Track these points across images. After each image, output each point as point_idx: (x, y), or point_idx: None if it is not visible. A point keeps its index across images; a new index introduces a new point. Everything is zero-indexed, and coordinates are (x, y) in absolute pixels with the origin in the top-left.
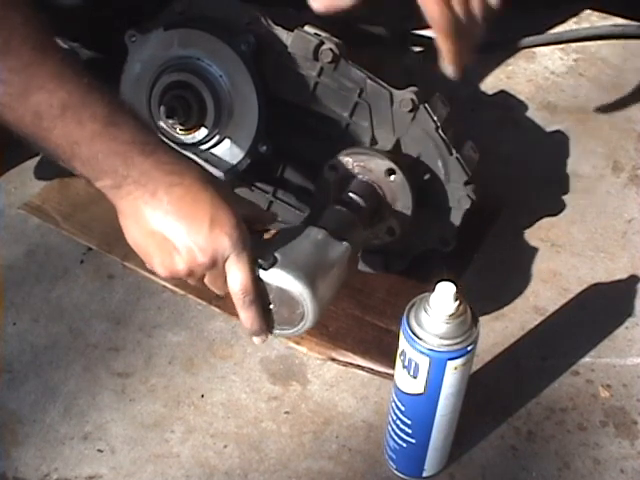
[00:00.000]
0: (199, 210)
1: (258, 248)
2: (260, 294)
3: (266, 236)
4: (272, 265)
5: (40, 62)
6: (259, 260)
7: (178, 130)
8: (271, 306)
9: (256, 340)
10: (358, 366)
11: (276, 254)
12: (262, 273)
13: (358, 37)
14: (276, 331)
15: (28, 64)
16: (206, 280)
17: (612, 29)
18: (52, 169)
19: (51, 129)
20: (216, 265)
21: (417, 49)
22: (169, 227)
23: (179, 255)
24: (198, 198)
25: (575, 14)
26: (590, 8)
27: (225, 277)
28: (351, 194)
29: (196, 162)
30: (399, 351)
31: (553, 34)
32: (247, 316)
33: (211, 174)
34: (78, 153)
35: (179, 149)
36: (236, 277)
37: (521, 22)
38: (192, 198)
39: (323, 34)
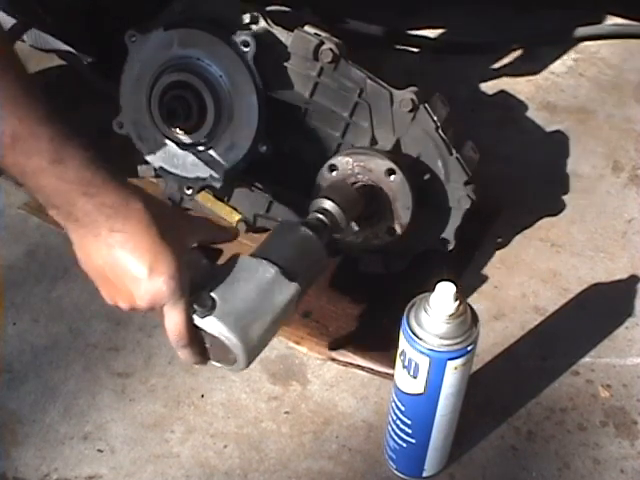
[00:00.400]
0: (139, 258)
1: (200, 285)
2: (195, 336)
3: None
4: (209, 311)
5: None
6: (195, 305)
7: (178, 130)
8: (207, 345)
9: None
10: (358, 366)
11: (216, 297)
12: (197, 320)
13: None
14: (213, 362)
15: None
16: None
17: (613, 29)
18: None
19: (3, 155)
20: (154, 309)
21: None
22: (110, 271)
23: (120, 297)
24: (139, 245)
25: (576, 14)
26: (591, 9)
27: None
28: (318, 214)
29: (145, 193)
30: (399, 351)
31: (553, 34)
32: (182, 353)
33: (160, 205)
34: (27, 183)
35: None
36: (171, 322)
37: (521, 22)
38: (133, 246)
39: (323, 34)
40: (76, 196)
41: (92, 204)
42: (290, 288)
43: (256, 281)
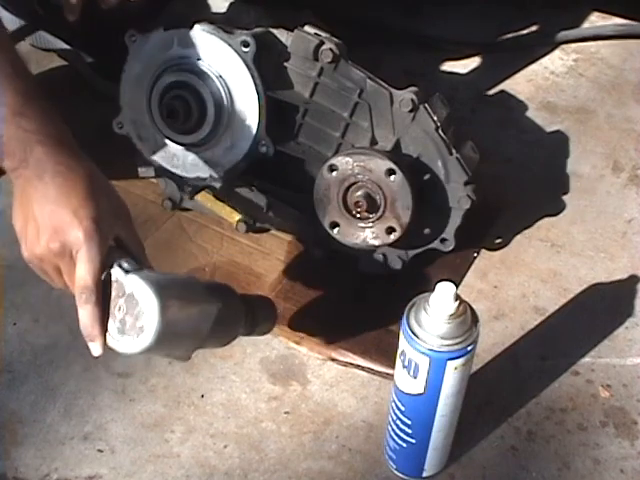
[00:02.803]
0: (70, 198)
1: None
2: (104, 295)
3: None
4: (135, 272)
5: None
6: (121, 261)
7: (178, 130)
8: (117, 311)
9: (92, 349)
10: (358, 366)
11: (144, 269)
12: (119, 274)
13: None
14: (110, 340)
15: None
16: (64, 275)
17: (616, 29)
18: None
19: None
20: (64, 253)
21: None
22: (40, 207)
23: (39, 237)
24: (75, 188)
25: (577, 14)
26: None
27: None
28: None
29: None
30: (399, 351)
31: (556, 34)
32: (82, 314)
33: (105, 181)
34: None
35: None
36: (81, 269)
37: (523, 23)
38: (70, 187)
39: (323, 34)
40: (32, 143)
41: (44, 152)
42: (212, 304)
43: (185, 281)
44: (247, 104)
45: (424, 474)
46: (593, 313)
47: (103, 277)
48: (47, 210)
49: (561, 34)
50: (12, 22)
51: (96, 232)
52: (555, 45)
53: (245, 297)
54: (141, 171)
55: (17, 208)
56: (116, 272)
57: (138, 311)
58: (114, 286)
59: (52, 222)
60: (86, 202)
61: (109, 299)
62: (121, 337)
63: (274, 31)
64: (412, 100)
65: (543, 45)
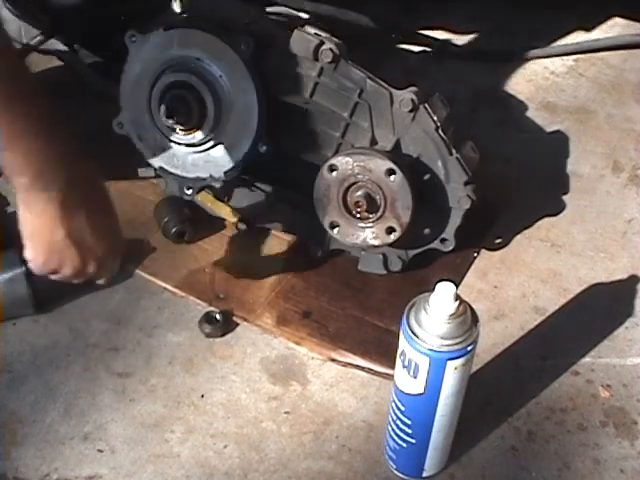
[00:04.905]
0: (107, 225)
1: None
2: None
3: None
4: None
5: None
6: None
7: (178, 130)
8: None
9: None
10: (358, 366)
11: None
12: None
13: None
14: None
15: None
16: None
17: (634, 39)
18: None
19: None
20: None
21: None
22: (80, 237)
23: (74, 261)
24: (107, 214)
25: (577, 14)
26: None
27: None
28: None
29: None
30: (399, 351)
31: (573, 44)
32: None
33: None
34: (17, 146)
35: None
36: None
37: (521, 22)
38: (105, 213)
39: (323, 34)
40: (63, 164)
41: (78, 174)
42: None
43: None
44: (247, 104)
45: (424, 474)
46: (593, 313)
47: None
48: (80, 237)
49: (581, 44)
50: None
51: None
52: (560, 55)
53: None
54: (141, 171)
55: (36, 224)
56: None
57: None
58: None
59: (86, 250)
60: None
61: None
62: None
63: (274, 31)
64: (412, 100)
65: (561, 55)
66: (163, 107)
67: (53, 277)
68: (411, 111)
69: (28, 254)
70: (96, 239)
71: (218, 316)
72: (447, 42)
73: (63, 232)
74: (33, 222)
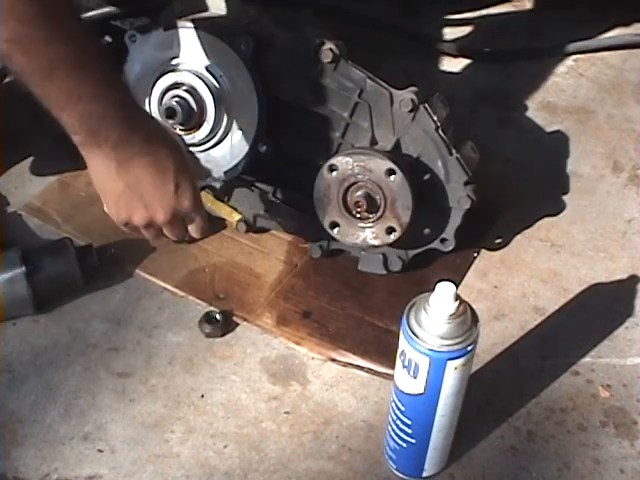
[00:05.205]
0: (166, 177)
1: None
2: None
3: None
4: None
5: (68, 15)
6: None
7: (178, 130)
8: None
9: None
10: (358, 366)
11: None
12: None
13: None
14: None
15: (58, 14)
16: (165, 231)
17: (634, 39)
18: (47, 165)
19: (62, 79)
20: (173, 220)
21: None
22: (136, 188)
23: (140, 211)
24: (166, 167)
25: (576, 15)
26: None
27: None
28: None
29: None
30: (399, 351)
31: (596, 40)
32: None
33: (179, 144)
34: (74, 108)
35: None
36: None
37: (521, 23)
38: (161, 166)
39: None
40: (120, 122)
41: (131, 132)
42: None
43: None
44: (247, 104)
45: (424, 474)
46: (593, 313)
47: None
48: (145, 189)
49: (603, 41)
50: None
51: (198, 197)
52: (565, 55)
53: None
54: None
55: (104, 179)
56: None
57: None
58: None
59: (156, 200)
60: (180, 177)
61: None
62: None
63: (274, 31)
64: (412, 100)
65: (587, 52)
66: (163, 108)
67: (135, 232)
68: (411, 111)
69: (105, 207)
70: (155, 190)
71: (218, 316)
72: (447, 41)
73: (122, 184)
74: (95, 176)
